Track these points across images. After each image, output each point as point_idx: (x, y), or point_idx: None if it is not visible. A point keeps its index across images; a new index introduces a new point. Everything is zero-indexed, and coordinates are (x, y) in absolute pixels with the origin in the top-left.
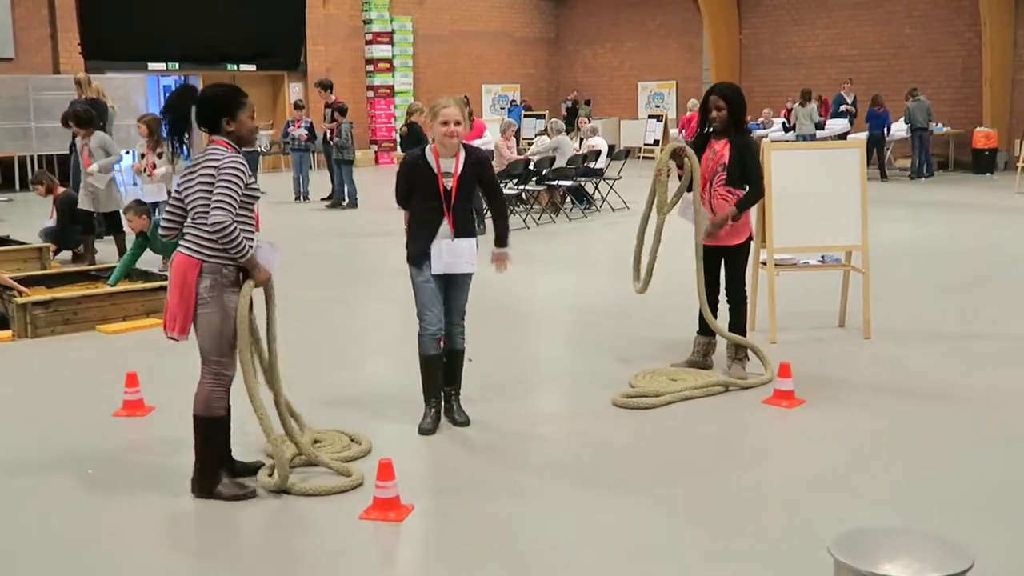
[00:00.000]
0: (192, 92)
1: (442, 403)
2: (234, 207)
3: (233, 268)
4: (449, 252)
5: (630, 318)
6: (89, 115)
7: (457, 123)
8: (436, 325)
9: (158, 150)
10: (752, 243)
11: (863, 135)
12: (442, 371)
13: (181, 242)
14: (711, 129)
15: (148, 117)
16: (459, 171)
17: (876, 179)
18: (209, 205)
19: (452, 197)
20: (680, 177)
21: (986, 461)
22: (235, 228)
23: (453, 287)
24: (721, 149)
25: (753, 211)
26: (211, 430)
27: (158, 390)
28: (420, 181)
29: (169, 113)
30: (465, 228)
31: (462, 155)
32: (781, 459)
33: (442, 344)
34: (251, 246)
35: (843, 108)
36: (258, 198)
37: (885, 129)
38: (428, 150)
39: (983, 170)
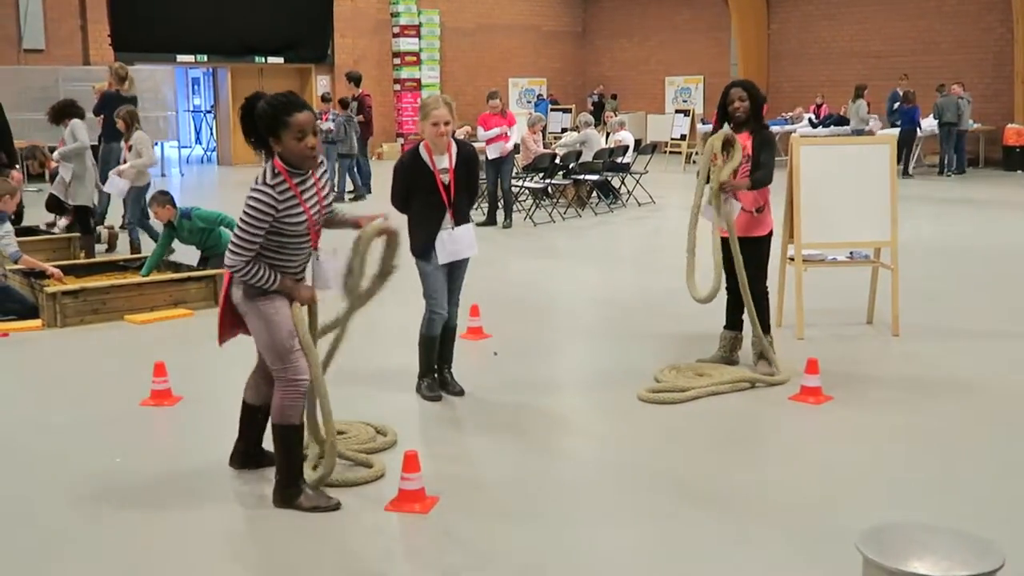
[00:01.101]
0: (254, 103)
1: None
2: (248, 248)
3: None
4: (451, 241)
5: (656, 312)
6: (59, 108)
7: (446, 123)
8: (445, 308)
9: (129, 143)
10: (772, 239)
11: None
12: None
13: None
14: (731, 124)
15: (123, 112)
16: (453, 165)
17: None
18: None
19: (451, 190)
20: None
21: (1016, 460)
22: (249, 269)
23: (455, 269)
24: (744, 142)
25: (776, 206)
26: (287, 439)
27: (186, 380)
28: (419, 179)
29: (242, 124)
30: (464, 216)
31: (453, 149)
32: (808, 456)
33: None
34: (275, 277)
35: (896, 105)
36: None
37: (917, 126)
38: (422, 148)
39: (1014, 167)
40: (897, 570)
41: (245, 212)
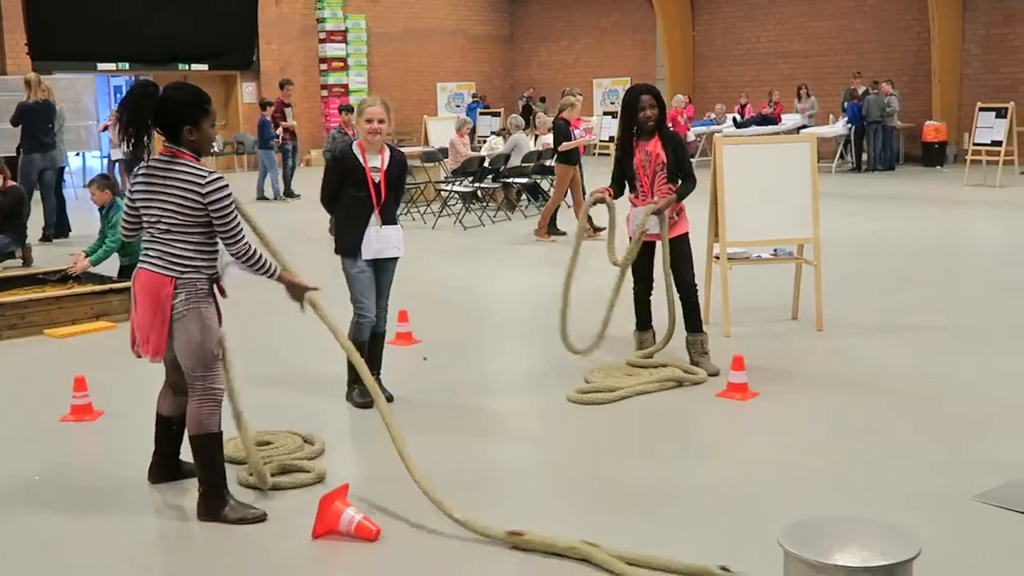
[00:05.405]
0: (153, 91)
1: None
2: (241, 230)
3: (206, 281)
4: (378, 239)
5: (585, 314)
6: None
7: (380, 121)
8: (373, 312)
9: None
10: (690, 236)
11: (820, 129)
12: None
13: (146, 258)
14: (637, 130)
15: None
16: (385, 166)
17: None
18: (183, 225)
19: (381, 189)
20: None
21: (936, 450)
22: (255, 250)
23: (381, 272)
24: (654, 149)
25: (700, 205)
26: (207, 448)
27: (108, 394)
28: (349, 174)
29: (127, 113)
30: (391, 217)
31: (387, 153)
32: (733, 451)
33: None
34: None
35: (846, 104)
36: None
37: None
38: (355, 146)
39: (933, 163)
40: (817, 562)
41: (223, 207)
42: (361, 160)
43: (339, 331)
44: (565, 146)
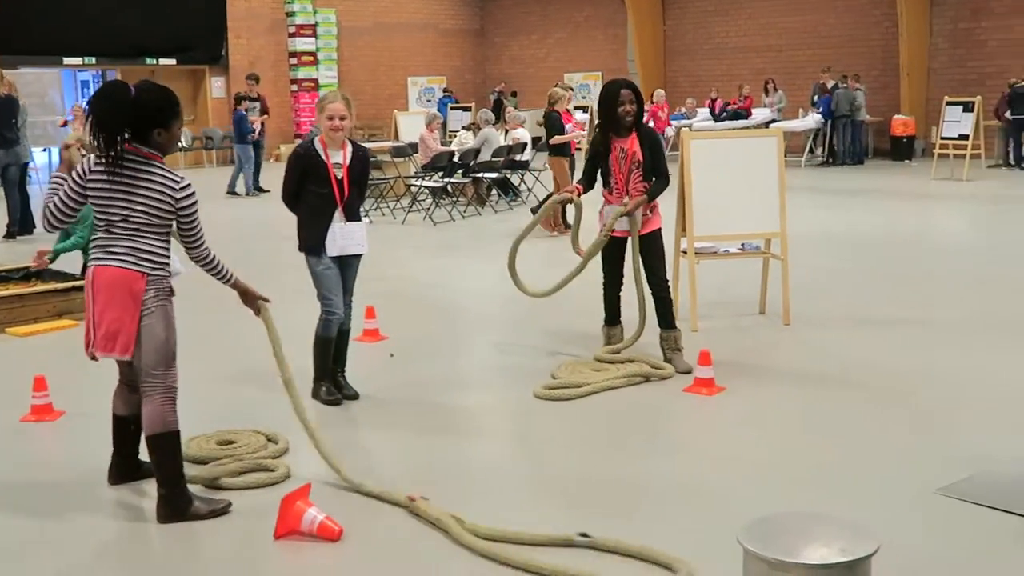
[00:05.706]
0: (124, 91)
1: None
2: (204, 235)
3: (169, 279)
4: (342, 235)
5: (556, 309)
6: None
7: (342, 118)
8: (341, 309)
9: None
10: (662, 232)
11: (790, 123)
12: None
13: (109, 255)
14: (614, 126)
15: None
16: (347, 162)
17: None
18: (152, 225)
19: (344, 186)
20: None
21: (902, 444)
22: (214, 255)
23: (346, 268)
24: (631, 147)
25: (668, 200)
26: (167, 446)
27: (69, 394)
28: (311, 170)
29: (99, 115)
30: (355, 213)
31: (349, 148)
32: (700, 446)
33: None
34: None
35: (817, 98)
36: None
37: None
38: (316, 141)
39: (902, 157)
40: (775, 560)
41: (193, 212)
42: (323, 156)
43: (279, 348)
44: (557, 139)
